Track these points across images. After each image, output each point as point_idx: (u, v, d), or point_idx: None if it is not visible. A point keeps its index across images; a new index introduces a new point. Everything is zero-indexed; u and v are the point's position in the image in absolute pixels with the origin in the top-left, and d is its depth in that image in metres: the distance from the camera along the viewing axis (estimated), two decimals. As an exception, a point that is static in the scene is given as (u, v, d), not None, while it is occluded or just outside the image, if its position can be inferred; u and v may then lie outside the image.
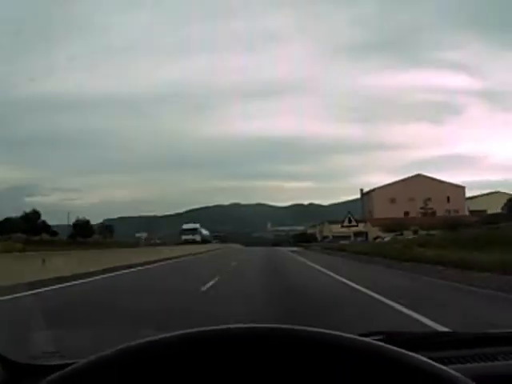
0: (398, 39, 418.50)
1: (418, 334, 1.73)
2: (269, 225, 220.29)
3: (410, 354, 0.68)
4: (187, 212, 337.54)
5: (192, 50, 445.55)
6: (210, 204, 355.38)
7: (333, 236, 76.10)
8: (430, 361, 0.65)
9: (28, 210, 76.51)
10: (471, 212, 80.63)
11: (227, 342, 0.69)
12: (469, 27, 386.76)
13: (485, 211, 73.69)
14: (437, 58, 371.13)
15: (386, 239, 51.88)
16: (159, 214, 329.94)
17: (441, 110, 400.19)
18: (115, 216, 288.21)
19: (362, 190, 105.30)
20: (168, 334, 0.68)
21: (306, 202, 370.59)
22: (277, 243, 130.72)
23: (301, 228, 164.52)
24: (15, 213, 76.57)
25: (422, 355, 0.75)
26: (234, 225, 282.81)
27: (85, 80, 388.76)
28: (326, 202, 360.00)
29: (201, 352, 0.68)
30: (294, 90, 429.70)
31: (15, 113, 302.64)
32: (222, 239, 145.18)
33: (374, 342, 0.74)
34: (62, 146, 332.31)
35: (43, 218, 76.91)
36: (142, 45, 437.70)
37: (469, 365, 1.33)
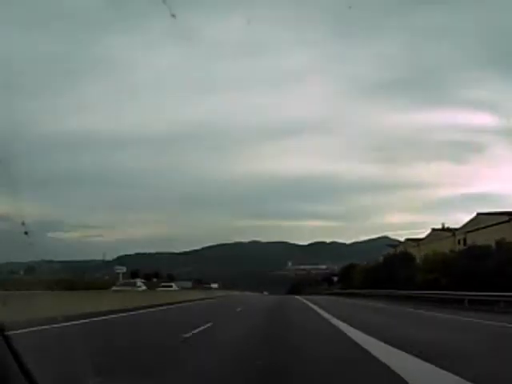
0: (420, 78, 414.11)
1: None
2: (289, 263, 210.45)
3: None
4: (204, 249, 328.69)
5: (213, 89, 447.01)
6: (230, 241, 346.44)
7: None
8: None
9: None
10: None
11: None
12: (492, 65, 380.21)
13: None
14: (460, 97, 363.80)
15: None
16: (176, 250, 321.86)
17: (463, 148, 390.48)
18: (132, 252, 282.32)
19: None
20: None
21: (327, 241, 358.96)
22: (297, 287, 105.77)
23: (323, 267, 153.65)
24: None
25: None
26: (253, 263, 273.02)
27: (108, 118, 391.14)
28: (348, 241, 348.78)
29: None
30: (315, 129, 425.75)
31: (41, 150, 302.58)
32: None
33: None
34: (85, 183, 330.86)
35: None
36: (163, 83, 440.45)
37: None
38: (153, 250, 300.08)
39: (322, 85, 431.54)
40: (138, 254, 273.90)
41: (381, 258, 67.29)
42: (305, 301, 42.90)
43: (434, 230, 63.36)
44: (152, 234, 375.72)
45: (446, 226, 62.81)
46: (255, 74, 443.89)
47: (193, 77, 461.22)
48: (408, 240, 65.85)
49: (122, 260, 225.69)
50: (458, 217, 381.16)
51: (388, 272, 50.65)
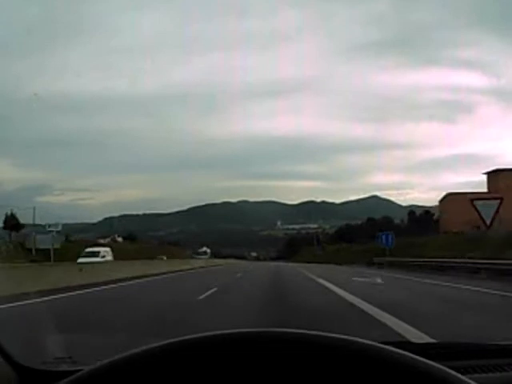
0: (410, 37, 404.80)
1: (433, 344, 1.62)
2: (279, 223, 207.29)
3: (423, 359, 0.64)
4: (191, 209, 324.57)
5: (201, 50, 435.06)
6: (218, 201, 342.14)
7: None
8: (442, 366, 0.61)
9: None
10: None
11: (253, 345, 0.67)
12: (483, 25, 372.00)
13: None
14: (450, 56, 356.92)
15: None
16: (163, 211, 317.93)
17: (453, 108, 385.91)
18: (119, 214, 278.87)
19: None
20: (182, 338, 0.67)
21: (317, 200, 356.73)
22: (288, 251, 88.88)
23: (314, 226, 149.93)
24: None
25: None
26: (242, 222, 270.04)
27: (94, 81, 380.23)
28: (338, 201, 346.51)
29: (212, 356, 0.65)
30: (305, 89, 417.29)
31: (26, 114, 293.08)
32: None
33: (385, 347, 0.69)
34: (72, 147, 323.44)
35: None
36: (150, 45, 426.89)
37: (477, 375, 1.27)
38: (140, 212, 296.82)
39: (311, 45, 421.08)
40: (124, 216, 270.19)
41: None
42: None
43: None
44: (139, 195, 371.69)
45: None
46: (244, 34, 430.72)
47: (182, 38, 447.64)
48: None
49: (108, 221, 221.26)
50: (447, 177, 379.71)
51: None
